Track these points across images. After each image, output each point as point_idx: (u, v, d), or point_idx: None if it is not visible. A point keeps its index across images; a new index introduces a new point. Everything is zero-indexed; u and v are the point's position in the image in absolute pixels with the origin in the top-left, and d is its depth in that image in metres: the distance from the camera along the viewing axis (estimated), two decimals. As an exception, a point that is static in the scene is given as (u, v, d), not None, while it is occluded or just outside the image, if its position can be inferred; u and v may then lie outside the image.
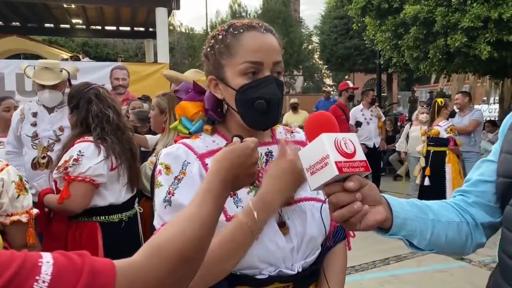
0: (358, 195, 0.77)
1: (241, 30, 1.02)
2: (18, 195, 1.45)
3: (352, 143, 0.78)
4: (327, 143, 0.76)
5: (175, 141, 1.10)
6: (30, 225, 1.52)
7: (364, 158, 0.79)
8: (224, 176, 0.81)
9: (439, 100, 5.13)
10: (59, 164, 2.08)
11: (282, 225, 1.02)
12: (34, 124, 2.89)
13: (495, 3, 5.32)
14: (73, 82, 3.06)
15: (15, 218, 1.44)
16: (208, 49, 1.07)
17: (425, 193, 4.71)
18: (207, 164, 1.03)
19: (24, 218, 1.47)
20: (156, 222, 1.01)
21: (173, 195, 0.99)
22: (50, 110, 2.95)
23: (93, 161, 2.06)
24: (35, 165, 2.85)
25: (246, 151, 0.85)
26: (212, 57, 1.05)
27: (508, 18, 5.21)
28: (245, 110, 1.01)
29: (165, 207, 0.99)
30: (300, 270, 1.03)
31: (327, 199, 0.80)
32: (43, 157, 2.86)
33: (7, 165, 1.47)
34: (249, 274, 1.00)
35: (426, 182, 4.82)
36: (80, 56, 10.60)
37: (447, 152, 4.89)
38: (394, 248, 4.17)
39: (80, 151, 2.06)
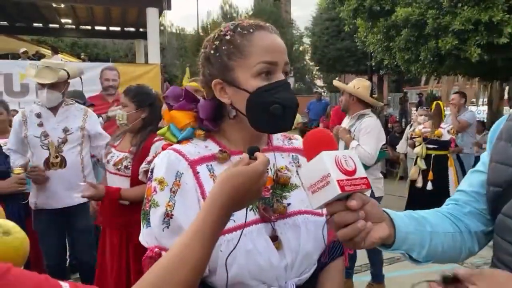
0: (361, 214, 0.75)
1: (251, 30, 0.97)
2: None
3: (352, 160, 0.77)
4: (328, 161, 0.74)
5: (163, 148, 1.05)
6: None
7: (365, 174, 0.77)
8: (226, 202, 0.76)
9: (442, 103, 5.04)
10: (149, 158, 2.29)
11: (275, 239, 0.97)
12: (40, 124, 2.81)
13: (485, 6, 5.38)
14: (73, 81, 3.01)
15: None
16: (212, 52, 1.00)
17: (428, 197, 4.59)
18: (198, 172, 0.98)
19: None
20: (151, 242, 0.96)
21: (171, 218, 0.94)
22: (54, 110, 2.87)
23: None
24: (47, 164, 2.78)
25: (253, 175, 0.78)
26: (217, 60, 0.99)
27: (498, 21, 5.27)
28: (257, 113, 0.96)
29: (163, 230, 0.94)
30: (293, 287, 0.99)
31: (328, 217, 0.78)
32: (56, 157, 2.81)
33: None
34: None
35: (429, 186, 4.71)
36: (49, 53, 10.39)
37: (448, 155, 4.86)
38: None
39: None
